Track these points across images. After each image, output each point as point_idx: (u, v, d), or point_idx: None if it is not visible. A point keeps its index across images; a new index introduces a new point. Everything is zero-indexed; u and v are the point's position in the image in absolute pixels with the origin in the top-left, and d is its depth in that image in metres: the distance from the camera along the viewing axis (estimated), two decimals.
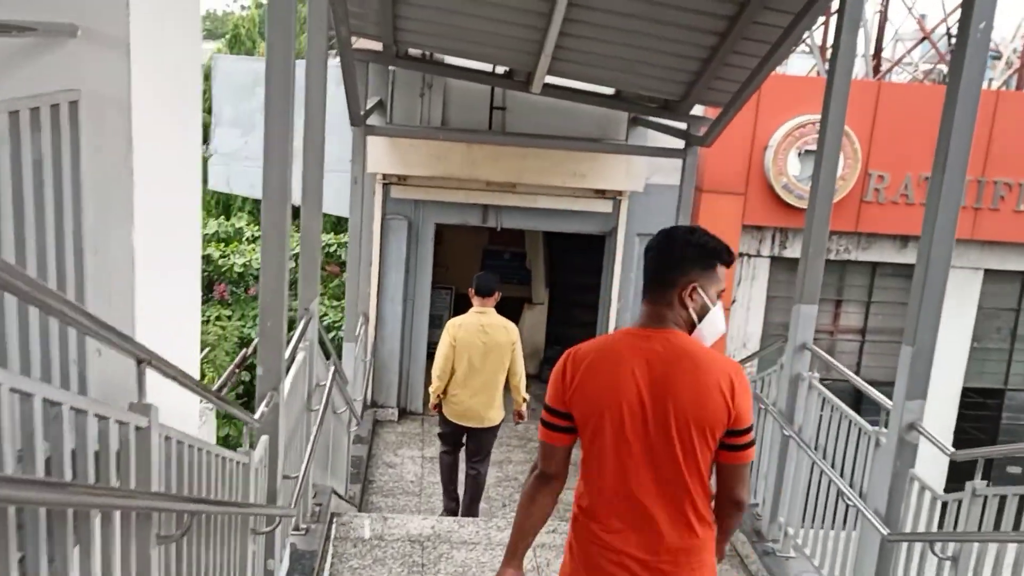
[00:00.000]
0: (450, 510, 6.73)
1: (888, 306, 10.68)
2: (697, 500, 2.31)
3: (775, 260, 10.35)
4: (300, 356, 4.59)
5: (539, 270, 12.40)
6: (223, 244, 12.48)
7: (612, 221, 9.76)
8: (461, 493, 6.75)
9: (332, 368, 5.15)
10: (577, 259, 12.12)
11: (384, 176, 9.31)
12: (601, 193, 9.55)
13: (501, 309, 6.37)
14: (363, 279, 9.60)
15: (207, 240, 12.38)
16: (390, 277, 9.62)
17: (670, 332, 2.31)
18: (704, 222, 9.98)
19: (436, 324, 13.63)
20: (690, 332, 2.34)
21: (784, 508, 5.17)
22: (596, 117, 9.00)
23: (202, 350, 11.69)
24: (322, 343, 6.14)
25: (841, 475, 4.47)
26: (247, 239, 12.82)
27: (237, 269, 11.67)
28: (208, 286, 12.49)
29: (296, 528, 4.74)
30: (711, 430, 2.25)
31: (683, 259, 2.32)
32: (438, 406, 6.30)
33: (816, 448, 4.87)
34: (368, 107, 7.95)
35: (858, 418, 4.44)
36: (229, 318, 11.35)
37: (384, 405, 9.87)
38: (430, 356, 7.30)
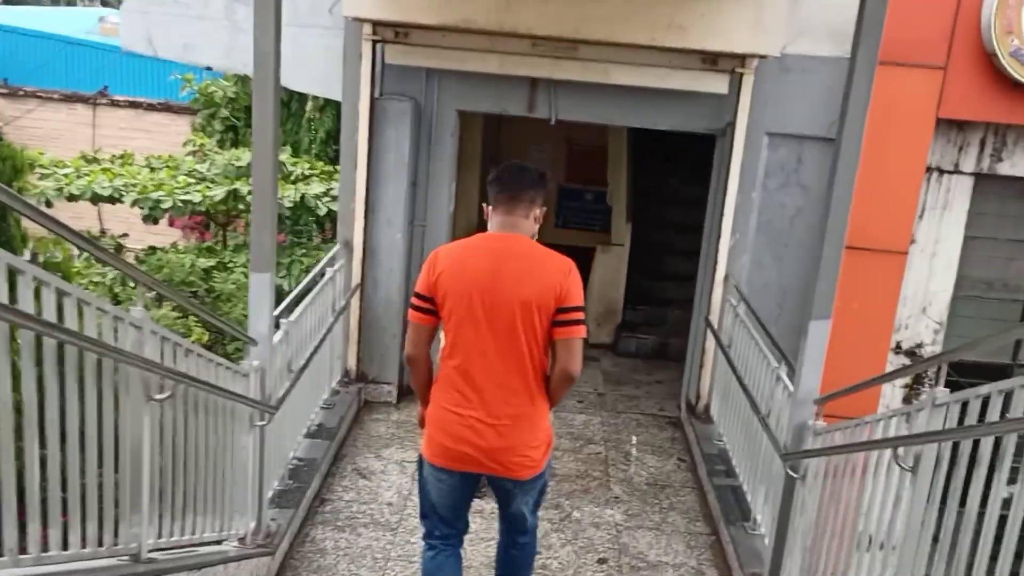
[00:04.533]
0: None
1: None
2: (531, 373, 3.02)
3: (982, 179, 6.64)
4: None
5: (620, 192, 8.73)
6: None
7: (728, 109, 6.23)
8: None
9: None
10: (673, 180, 8.60)
11: (374, 29, 6.03)
12: (712, 60, 6.02)
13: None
14: (344, 189, 6.40)
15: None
16: (386, 190, 6.34)
17: (519, 237, 3.05)
18: (878, 109, 6.33)
19: None
20: None
21: None
22: None
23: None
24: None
25: None
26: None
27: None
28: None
29: None
30: (545, 309, 2.94)
31: (533, 183, 3.10)
32: None
33: None
34: None
35: None
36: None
37: (376, 380, 6.66)
38: None
